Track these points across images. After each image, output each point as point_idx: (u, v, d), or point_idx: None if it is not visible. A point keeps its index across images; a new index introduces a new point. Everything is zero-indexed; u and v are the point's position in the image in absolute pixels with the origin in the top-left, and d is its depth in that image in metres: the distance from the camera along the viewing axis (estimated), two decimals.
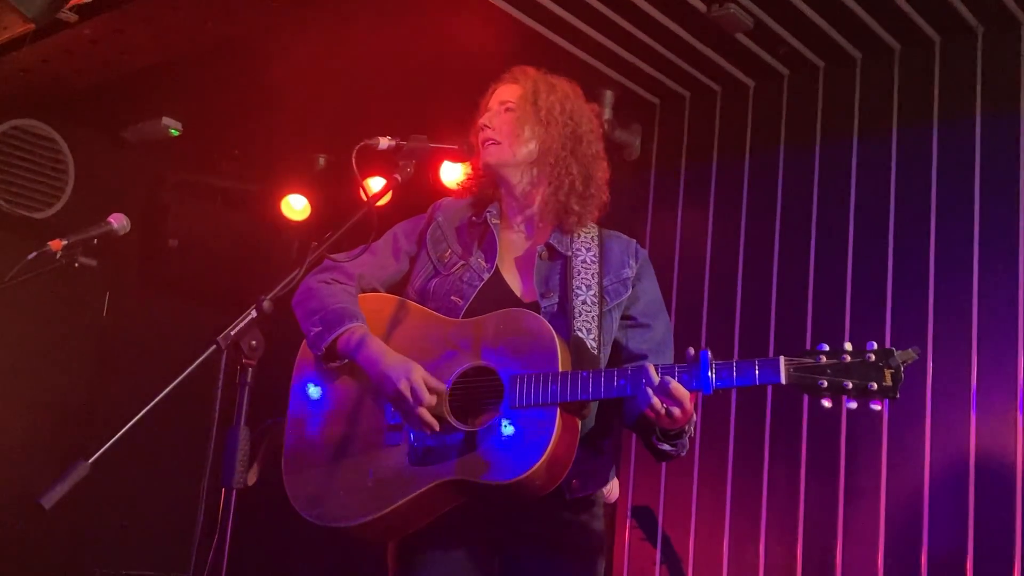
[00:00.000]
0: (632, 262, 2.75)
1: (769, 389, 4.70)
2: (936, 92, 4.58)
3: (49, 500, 2.04)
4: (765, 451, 4.68)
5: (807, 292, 4.72)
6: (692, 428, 2.54)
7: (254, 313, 2.18)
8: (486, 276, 2.66)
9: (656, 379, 2.32)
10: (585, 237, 2.72)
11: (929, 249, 4.44)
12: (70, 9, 4.47)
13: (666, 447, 2.53)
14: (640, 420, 2.51)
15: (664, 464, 5.00)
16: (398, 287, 2.81)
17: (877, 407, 2.24)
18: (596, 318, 2.59)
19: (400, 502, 2.47)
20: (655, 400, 2.33)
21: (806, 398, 4.58)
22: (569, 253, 2.68)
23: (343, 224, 2.46)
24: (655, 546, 4.81)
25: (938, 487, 4.23)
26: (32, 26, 4.30)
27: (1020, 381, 4.12)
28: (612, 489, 2.83)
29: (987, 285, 4.27)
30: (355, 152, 2.49)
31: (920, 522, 4.22)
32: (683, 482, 4.88)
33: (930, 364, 4.32)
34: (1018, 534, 4.00)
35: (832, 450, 4.49)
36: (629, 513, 4.95)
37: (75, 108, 5.70)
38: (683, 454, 2.58)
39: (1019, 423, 4.09)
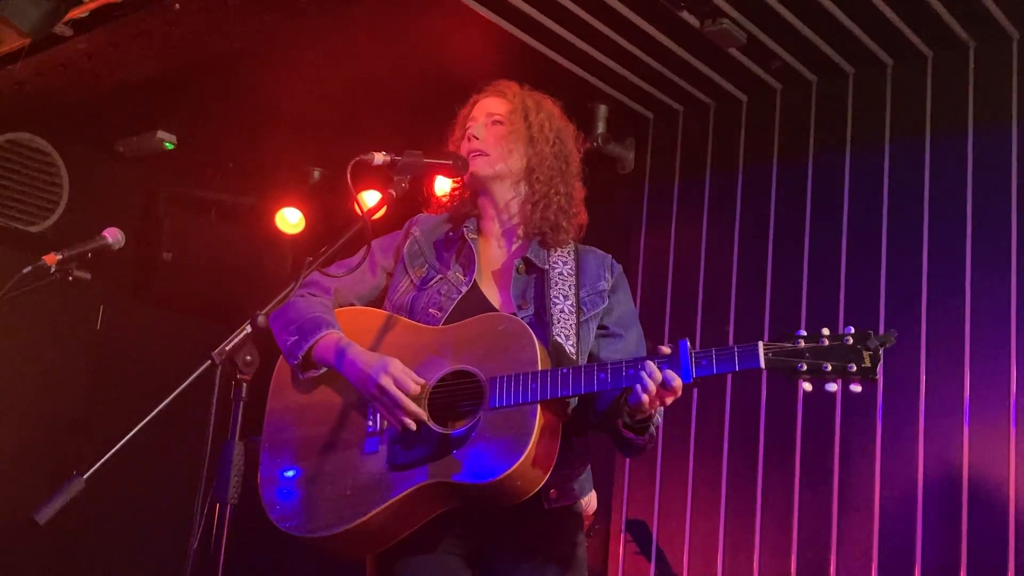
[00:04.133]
0: (608, 275, 2.78)
1: (763, 401, 4.70)
2: (928, 106, 4.60)
3: (44, 516, 2.03)
4: (759, 464, 4.68)
5: (800, 306, 4.73)
6: (659, 419, 2.54)
7: (249, 328, 2.17)
8: (464, 289, 2.68)
9: (658, 376, 2.32)
10: (561, 251, 2.75)
11: (922, 262, 4.45)
12: (66, 23, 4.49)
13: (632, 436, 2.52)
14: (607, 410, 2.53)
15: (659, 477, 5.04)
16: (375, 303, 2.82)
17: (857, 389, 2.24)
18: (574, 326, 2.62)
19: (378, 508, 2.46)
20: (651, 390, 2.33)
21: (800, 411, 4.62)
22: (546, 267, 2.71)
23: (338, 239, 2.47)
24: (650, 560, 4.81)
25: (931, 499, 4.23)
26: (28, 40, 4.31)
27: (1013, 393, 4.13)
28: (590, 502, 2.84)
29: (979, 297, 4.29)
30: (349, 167, 2.50)
31: (914, 534, 4.23)
32: (677, 496, 4.88)
33: (923, 376, 4.33)
34: (1011, 546, 4.00)
35: (826, 462, 4.50)
36: (623, 527, 4.95)
37: (70, 121, 5.70)
38: (649, 447, 2.57)
39: (1012, 435, 4.10)
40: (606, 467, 4.91)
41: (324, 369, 2.64)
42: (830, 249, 4.71)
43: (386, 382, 2.46)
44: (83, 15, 4.45)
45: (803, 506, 4.53)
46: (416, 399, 2.49)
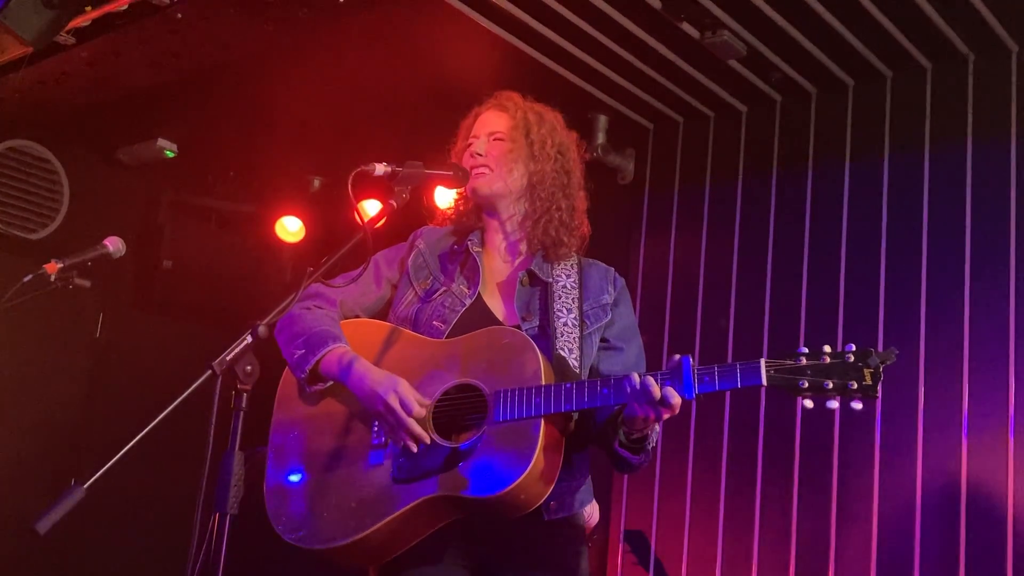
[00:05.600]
0: (611, 288, 2.80)
1: (761, 413, 4.70)
2: (928, 118, 4.61)
3: (44, 526, 2.03)
4: (758, 475, 4.68)
5: (799, 316, 4.73)
6: (655, 437, 2.56)
7: (249, 339, 2.18)
8: (468, 302, 2.70)
9: (657, 394, 2.31)
10: (565, 264, 2.77)
11: (920, 274, 4.46)
12: (68, 32, 4.50)
13: (627, 454, 2.52)
14: (603, 427, 2.54)
15: (657, 488, 5.03)
16: (379, 315, 2.83)
17: (858, 406, 2.26)
18: (577, 339, 2.64)
19: (384, 521, 2.47)
20: (648, 408, 2.34)
21: (798, 423, 4.63)
22: (549, 279, 2.72)
23: (338, 248, 2.47)
24: (648, 570, 4.80)
25: (930, 511, 4.23)
26: (30, 49, 4.32)
27: (1011, 406, 4.13)
28: (592, 513, 2.84)
29: (978, 310, 4.29)
30: (351, 178, 2.50)
31: (912, 546, 4.22)
32: (676, 506, 4.88)
33: (922, 389, 4.33)
34: (1009, 558, 4.00)
35: (825, 474, 4.50)
36: (622, 538, 4.94)
37: (71, 129, 5.71)
38: (645, 464, 2.58)
39: (1010, 448, 4.10)
40: (605, 478, 4.90)
41: (330, 382, 2.65)
42: (829, 260, 4.71)
43: (393, 401, 2.48)
44: (85, 24, 4.47)
45: (801, 518, 4.53)
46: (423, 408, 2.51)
